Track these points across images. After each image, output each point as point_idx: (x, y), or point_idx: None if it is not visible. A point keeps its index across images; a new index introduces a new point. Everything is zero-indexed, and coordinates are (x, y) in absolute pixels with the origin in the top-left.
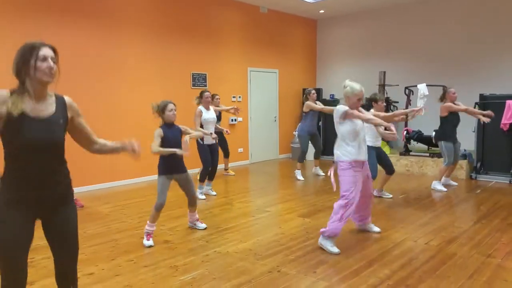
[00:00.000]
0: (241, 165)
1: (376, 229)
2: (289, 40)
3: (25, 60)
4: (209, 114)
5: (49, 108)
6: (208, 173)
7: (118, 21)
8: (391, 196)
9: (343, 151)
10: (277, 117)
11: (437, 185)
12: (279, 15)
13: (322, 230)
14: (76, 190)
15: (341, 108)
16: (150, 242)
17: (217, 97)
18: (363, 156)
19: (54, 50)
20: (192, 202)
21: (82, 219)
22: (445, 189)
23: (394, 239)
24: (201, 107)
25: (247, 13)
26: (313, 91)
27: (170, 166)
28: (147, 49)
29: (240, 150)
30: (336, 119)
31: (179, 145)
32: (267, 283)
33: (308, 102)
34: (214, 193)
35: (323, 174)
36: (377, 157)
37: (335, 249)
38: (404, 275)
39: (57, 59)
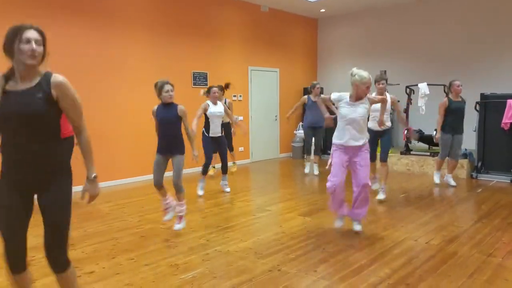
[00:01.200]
0: (242, 164)
1: (357, 227)
2: (290, 39)
3: (10, 42)
4: (216, 108)
5: (29, 84)
6: (221, 167)
7: (118, 21)
8: (377, 187)
9: (335, 134)
10: (278, 116)
11: (450, 180)
12: (280, 14)
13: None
14: (76, 188)
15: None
16: (169, 216)
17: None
18: (352, 142)
19: (41, 33)
20: (175, 188)
21: (83, 217)
22: (455, 184)
23: (394, 238)
24: (208, 102)
25: (248, 12)
26: (318, 85)
27: (163, 147)
28: (147, 49)
29: (241, 149)
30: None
31: (171, 125)
32: (268, 282)
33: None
34: (228, 189)
35: (317, 173)
36: (376, 141)
37: (336, 224)
38: (404, 274)
39: (44, 41)
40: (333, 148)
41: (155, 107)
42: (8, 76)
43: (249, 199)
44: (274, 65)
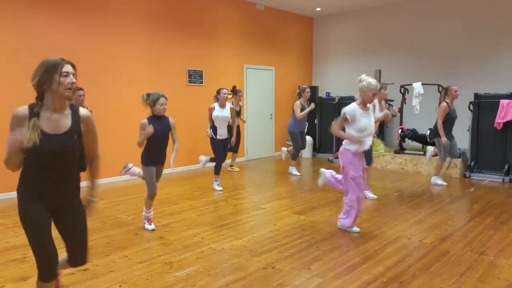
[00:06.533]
0: (237, 162)
1: None
2: (286, 37)
3: (49, 75)
4: (222, 112)
5: (64, 121)
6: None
7: (113, 17)
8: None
9: (349, 143)
10: (273, 114)
11: (438, 180)
12: (276, 12)
13: None
14: None
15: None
16: (153, 226)
17: (240, 94)
18: (366, 147)
19: (74, 67)
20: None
21: None
22: (445, 183)
23: (388, 237)
24: (215, 104)
25: (244, 10)
26: (308, 89)
27: (154, 158)
28: (142, 46)
29: None
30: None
31: (165, 137)
32: (262, 280)
33: (297, 103)
34: (220, 188)
35: (299, 173)
36: None
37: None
38: (397, 272)
39: (76, 74)
40: (347, 153)
41: (146, 120)
42: (35, 108)
43: (244, 197)
44: (269, 63)
